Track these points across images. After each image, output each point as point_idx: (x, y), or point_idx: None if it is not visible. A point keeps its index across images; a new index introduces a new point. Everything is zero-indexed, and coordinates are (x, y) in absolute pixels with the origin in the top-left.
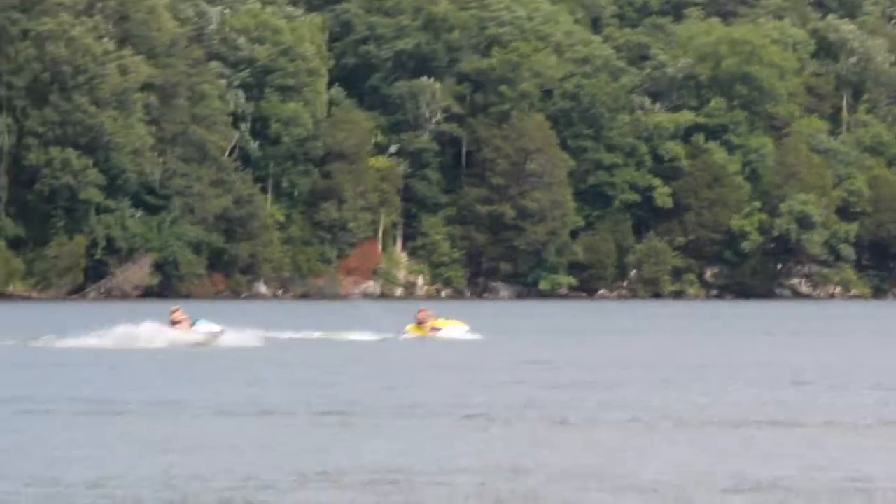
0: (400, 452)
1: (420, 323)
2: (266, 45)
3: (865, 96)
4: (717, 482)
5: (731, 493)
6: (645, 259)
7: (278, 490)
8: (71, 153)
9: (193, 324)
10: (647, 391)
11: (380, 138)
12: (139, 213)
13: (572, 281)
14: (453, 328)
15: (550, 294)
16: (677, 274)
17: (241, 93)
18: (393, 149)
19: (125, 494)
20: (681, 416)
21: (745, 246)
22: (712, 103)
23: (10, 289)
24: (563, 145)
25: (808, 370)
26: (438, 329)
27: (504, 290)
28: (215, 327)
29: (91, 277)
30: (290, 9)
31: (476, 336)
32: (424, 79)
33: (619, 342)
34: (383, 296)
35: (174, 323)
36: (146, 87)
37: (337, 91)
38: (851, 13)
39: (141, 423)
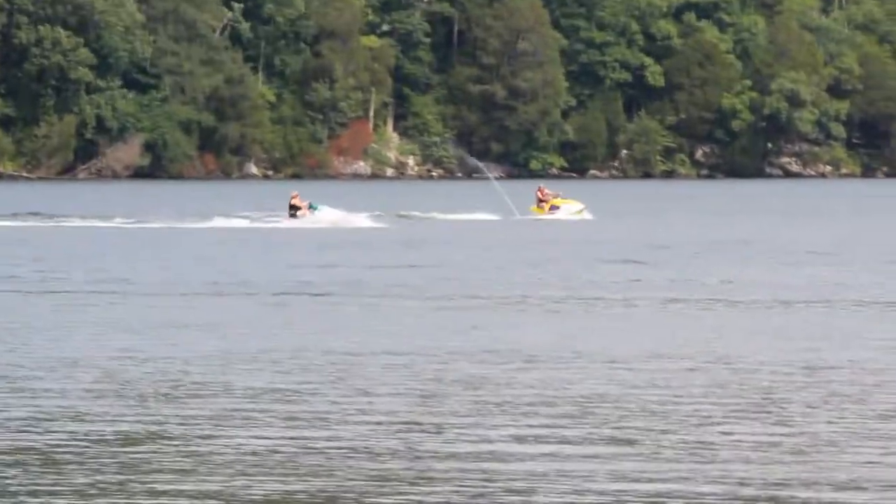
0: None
1: (540, 202)
2: None
3: None
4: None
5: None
6: (636, 139)
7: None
8: (61, 32)
9: (312, 208)
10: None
11: (371, 17)
12: (130, 93)
13: (562, 161)
14: (569, 207)
15: (541, 174)
16: (668, 153)
17: None
18: (385, 28)
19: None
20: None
21: (736, 125)
22: None
23: (0, 168)
24: (555, 24)
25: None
26: (557, 208)
27: (494, 169)
28: (339, 213)
29: (81, 157)
30: None
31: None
32: None
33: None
34: (374, 176)
35: (294, 208)
36: None
37: None
38: None
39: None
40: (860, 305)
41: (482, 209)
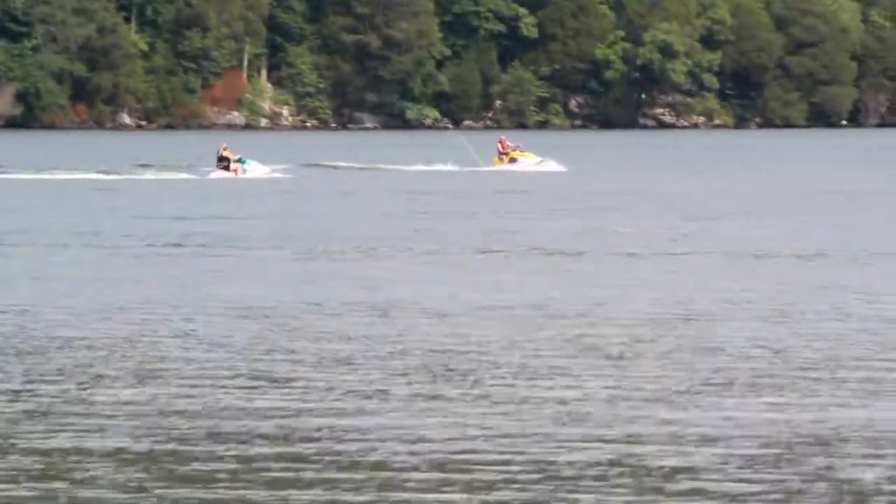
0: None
1: (501, 154)
2: None
3: None
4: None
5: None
6: (510, 89)
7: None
8: None
9: (241, 162)
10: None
11: None
12: (1, 42)
13: (437, 113)
14: (527, 159)
15: (416, 125)
16: (542, 104)
17: None
18: None
19: None
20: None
21: (609, 76)
22: None
23: None
24: None
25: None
26: (516, 160)
27: (369, 120)
28: (263, 167)
29: None
30: None
31: (557, 167)
32: None
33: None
34: (248, 126)
35: (223, 160)
36: None
37: None
38: None
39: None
40: (715, 254)
41: (445, 160)
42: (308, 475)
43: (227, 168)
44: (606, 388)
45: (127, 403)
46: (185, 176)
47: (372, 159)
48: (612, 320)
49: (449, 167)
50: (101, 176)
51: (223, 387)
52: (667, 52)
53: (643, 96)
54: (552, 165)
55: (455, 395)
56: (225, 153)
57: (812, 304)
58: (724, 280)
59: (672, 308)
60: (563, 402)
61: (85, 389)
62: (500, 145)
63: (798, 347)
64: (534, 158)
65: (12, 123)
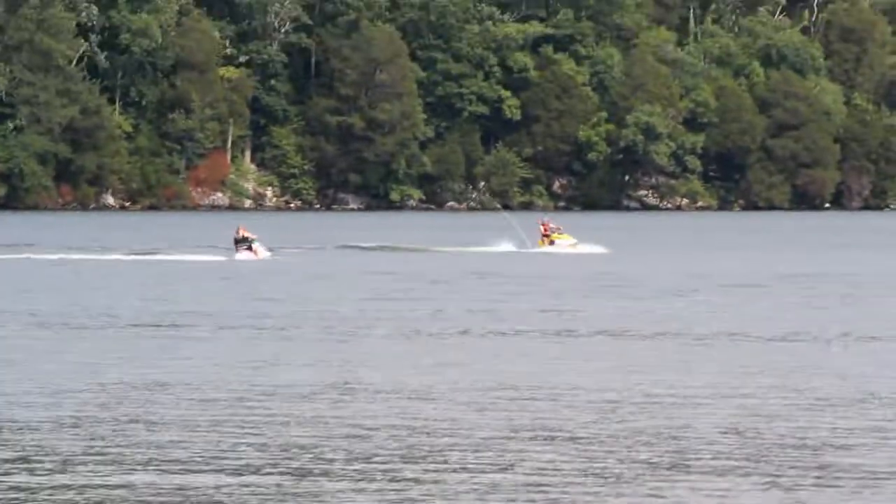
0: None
1: (543, 236)
2: None
3: (712, 7)
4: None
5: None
6: (494, 170)
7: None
8: None
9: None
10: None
11: (229, 49)
12: None
13: (420, 194)
14: (563, 241)
15: (400, 206)
16: (526, 185)
17: (92, 5)
18: (242, 59)
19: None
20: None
21: (592, 157)
22: (560, 14)
23: None
24: (413, 56)
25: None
26: (553, 243)
27: (353, 201)
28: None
29: None
30: None
31: (597, 249)
32: None
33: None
34: (232, 207)
35: (244, 240)
36: None
37: (186, 0)
38: None
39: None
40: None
41: (498, 242)
42: None
43: (249, 248)
44: (546, 460)
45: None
46: (211, 258)
47: (413, 241)
48: (543, 396)
49: (505, 248)
50: (139, 256)
51: (187, 470)
52: (650, 133)
53: (626, 178)
54: (591, 248)
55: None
56: (245, 234)
57: (774, 384)
58: (683, 363)
59: (632, 390)
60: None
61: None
62: (542, 227)
63: (759, 430)
64: (569, 240)
65: None
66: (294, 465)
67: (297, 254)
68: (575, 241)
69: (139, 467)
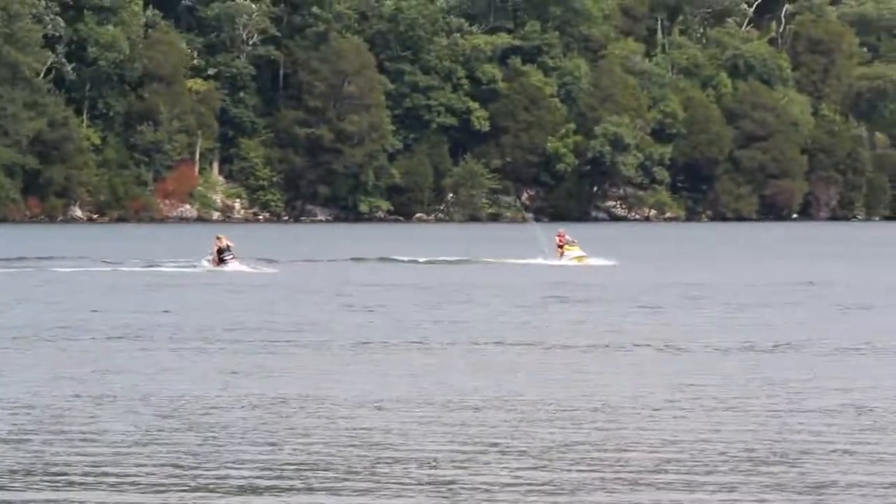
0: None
1: (558, 247)
2: None
3: (680, 18)
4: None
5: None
6: (462, 182)
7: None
8: None
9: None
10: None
11: (196, 61)
12: None
13: (389, 205)
14: (570, 253)
15: (369, 218)
16: (495, 197)
17: (58, 18)
18: (210, 71)
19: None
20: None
21: (561, 168)
22: (528, 26)
23: None
24: (381, 68)
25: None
26: (563, 255)
27: (321, 213)
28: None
29: None
30: None
31: (603, 262)
32: (240, 0)
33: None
34: (200, 219)
35: (226, 250)
36: None
37: (152, 12)
38: None
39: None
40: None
41: (534, 254)
42: None
43: (223, 260)
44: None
45: None
46: (193, 269)
47: (452, 253)
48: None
49: (540, 261)
50: (146, 269)
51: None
52: (618, 145)
53: (595, 189)
54: (597, 260)
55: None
56: (228, 242)
57: (737, 395)
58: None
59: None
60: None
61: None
62: (558, 238)
63: (731, 440)
64: (575, 252)
65: None
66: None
67: (323, 266)
68: (583, 253)
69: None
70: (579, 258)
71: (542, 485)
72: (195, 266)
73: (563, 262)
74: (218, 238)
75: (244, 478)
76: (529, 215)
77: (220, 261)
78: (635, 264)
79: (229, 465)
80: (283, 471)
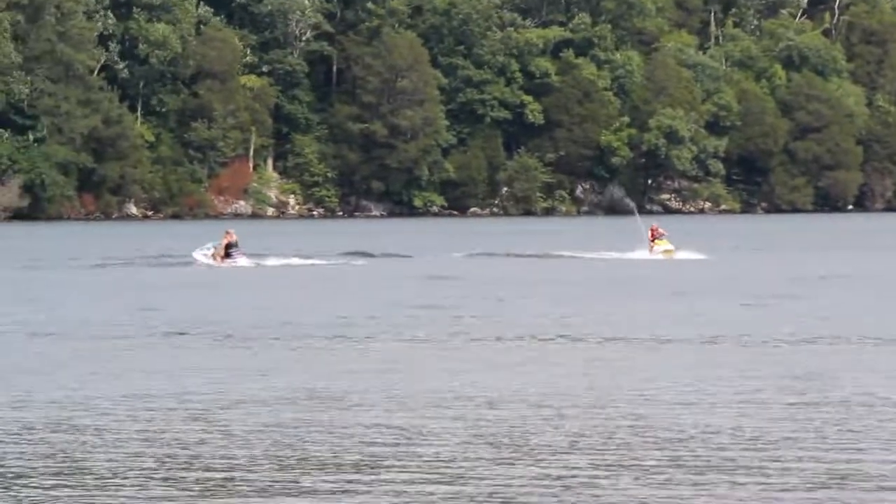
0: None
1: (651, 241)
2: None
3: (733, 10)
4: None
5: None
6: (516, 176)
7: None
8: None
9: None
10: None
11: (249, 57)
12: (6, 134)
13: (443, 200)
14: (658, 247)
15: (423, 213)
16: (548, 191)
17: (109, 13)
18: (264, 68)
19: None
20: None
21: (615, 162)
22: (576, 19)
23: None
24: (434, 63)
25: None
26: (653, 249)
27: (376, 208)
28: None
29: None
30: None
31: (695, 255)
32: None
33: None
34: (255, 215)
35: (234, 245)
36: (11, 5)
37: (205, 9)
38: None
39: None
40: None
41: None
42: None
43: (240, 254)
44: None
45: None
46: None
47: (548, 246)
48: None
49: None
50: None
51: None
52: (672, 138)
53: (649, 182)
54: (687, 254)
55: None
56: (235, 238)
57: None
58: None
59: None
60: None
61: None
62: (651, 232)
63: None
64: (664, 246)
65: (19, 215)
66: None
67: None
68: (671, 247)
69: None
70: (667, 252)
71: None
72: (193, 257)
73: (653, 255)
74: (228, 233)
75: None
76: (632, 205)
77: (227, 255)
78: (727, 257)
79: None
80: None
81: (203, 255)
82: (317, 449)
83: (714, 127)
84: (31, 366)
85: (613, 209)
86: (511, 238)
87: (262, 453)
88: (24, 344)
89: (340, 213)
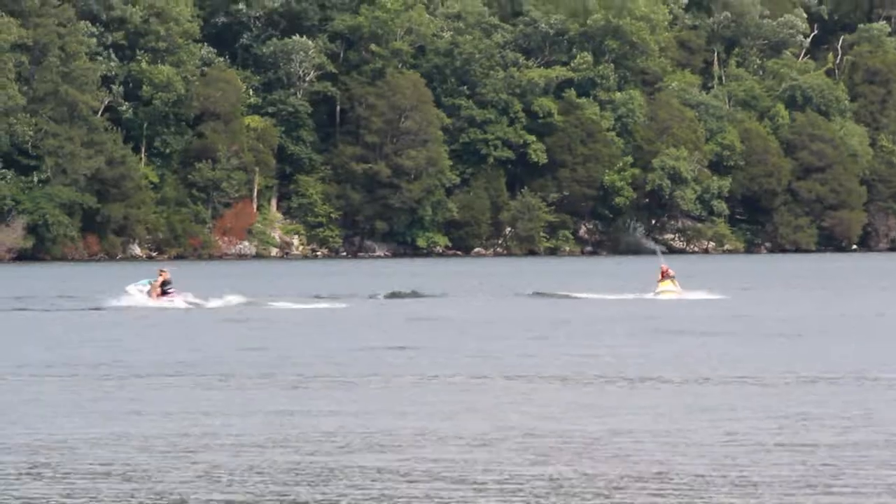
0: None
1: (659, 281)
2: (139, 5)
3: (737, 50)
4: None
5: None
6: (519, 216)
7: None
8: None
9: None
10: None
11: (253, 98)
12: (11, 174)
13: (447, 240)
14: (659, 287)
15: (426, 253)
16: (552, 230)
17: (112, 54)
18: (268, 109)
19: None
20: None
21: (619, 202)
22: (578, 58)
23: None
24: (438, 102)
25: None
26: (658, 290)
27: (380, 249)
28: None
29: None
30: None
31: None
32: (297, 37)
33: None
34: (259, 256)
35: (167, 283)
36: (16, 47)
37: (208, 50)
38: None
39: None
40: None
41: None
42: None
43: (174, 292)
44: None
45: None
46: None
47: (591, 288)
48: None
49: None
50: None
51: None
52: (676, 178)
53: (653, 222)
54: (696, 294)
55: None
56: (169, 276)
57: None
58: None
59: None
60: None
61: None
62: (660, 273)
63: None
64: (664, 287)
65: (23, 256)
66: None
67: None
68: (673, 289)
69: None
70: (664, 292)
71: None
72: (126, 292)
73: (653, 295)
74: (162, 271)
75: None
76: (658, 247)
77: (163, 293)
78: (744, 297)
79: None
80: None
81: (138, 290)
82: (310, 491)
83: (717, 167)
84: None
85: (630, 249)
86: (546, 278)
87: (246, 496)
88: None
89: (344, 254)
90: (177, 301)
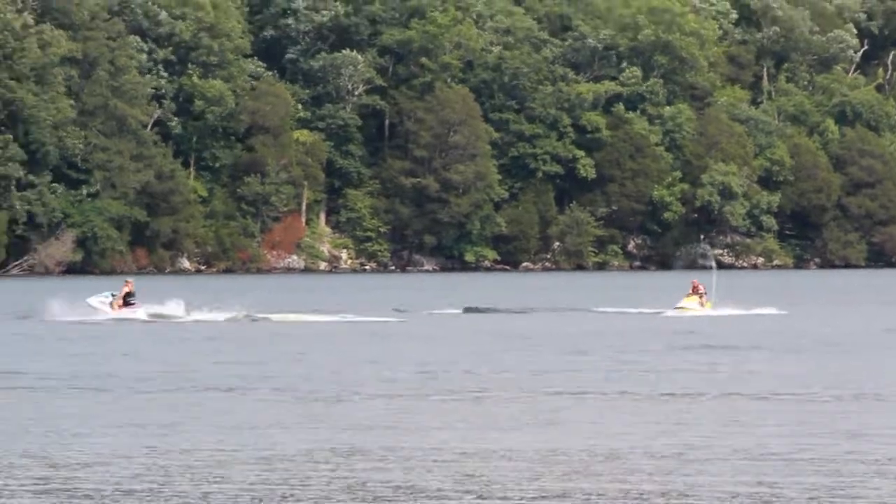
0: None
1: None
2: (188, 20)
3: (786, 65)
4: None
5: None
6: (568, 230)
7: None
8: None
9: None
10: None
11: (302, 112)
12: (60, 188)
13: (495, 254)
14: (683, 303)
15: (475, 267)
16: (600, 245)
17: (162, 70)
18: (317, 123)
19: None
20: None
21: (667, 217)
22: (627, 72)
23: None
24: (486, 117)
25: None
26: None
27: (428, 263)
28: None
29: (13, 254)
30: None
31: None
32: (346, 51)
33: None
34: (307, 270)
35: (130, 294)
36: (66, 60)
37: (257, 64)
38: None
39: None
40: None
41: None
42: None
43: (137, 304)
44: None
45: None
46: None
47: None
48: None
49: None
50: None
51: None
52: (725, 193)
53: (702, 237)
54: (764, 310)
55: None
56: (132, 288)
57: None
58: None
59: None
60: None
61: None
62: (692, 288)
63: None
64: (683, 303)
65: (73, 269)
66: None
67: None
68: (693, 306)
69: None
70: (680, 308)
71: None
72: (86, 302)
73: (672, 311)
74: (127, 282)
75: None
76: (712, 263)
77: (126, 304)
78: (805, 311)
79: None
80: None
81: (100, 301)
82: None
83: (767, 182)
84: None
85: (683, 264)
86: (611, 293)
87: None
88: None
89: (392, 268)
90: (139, 313)
